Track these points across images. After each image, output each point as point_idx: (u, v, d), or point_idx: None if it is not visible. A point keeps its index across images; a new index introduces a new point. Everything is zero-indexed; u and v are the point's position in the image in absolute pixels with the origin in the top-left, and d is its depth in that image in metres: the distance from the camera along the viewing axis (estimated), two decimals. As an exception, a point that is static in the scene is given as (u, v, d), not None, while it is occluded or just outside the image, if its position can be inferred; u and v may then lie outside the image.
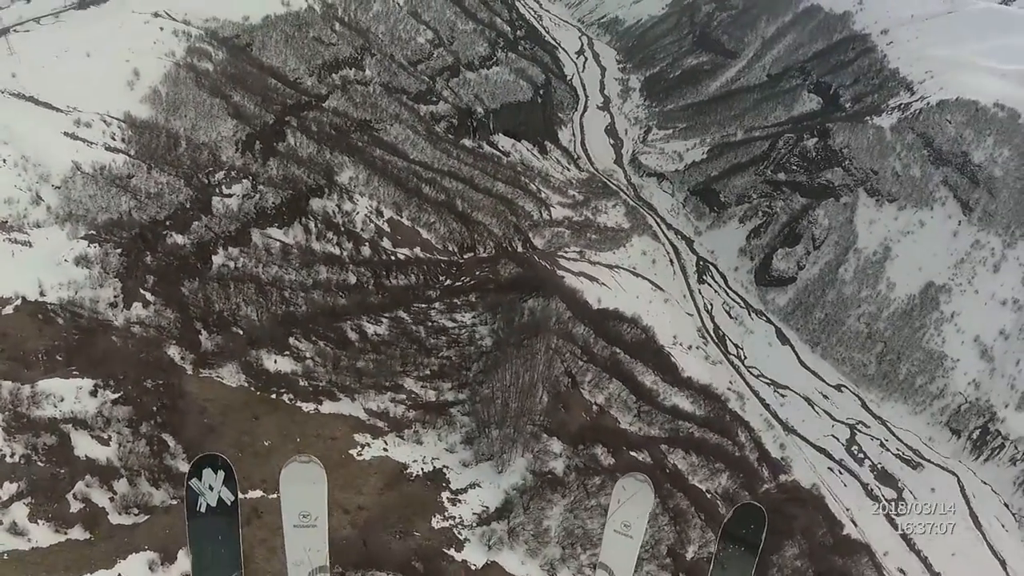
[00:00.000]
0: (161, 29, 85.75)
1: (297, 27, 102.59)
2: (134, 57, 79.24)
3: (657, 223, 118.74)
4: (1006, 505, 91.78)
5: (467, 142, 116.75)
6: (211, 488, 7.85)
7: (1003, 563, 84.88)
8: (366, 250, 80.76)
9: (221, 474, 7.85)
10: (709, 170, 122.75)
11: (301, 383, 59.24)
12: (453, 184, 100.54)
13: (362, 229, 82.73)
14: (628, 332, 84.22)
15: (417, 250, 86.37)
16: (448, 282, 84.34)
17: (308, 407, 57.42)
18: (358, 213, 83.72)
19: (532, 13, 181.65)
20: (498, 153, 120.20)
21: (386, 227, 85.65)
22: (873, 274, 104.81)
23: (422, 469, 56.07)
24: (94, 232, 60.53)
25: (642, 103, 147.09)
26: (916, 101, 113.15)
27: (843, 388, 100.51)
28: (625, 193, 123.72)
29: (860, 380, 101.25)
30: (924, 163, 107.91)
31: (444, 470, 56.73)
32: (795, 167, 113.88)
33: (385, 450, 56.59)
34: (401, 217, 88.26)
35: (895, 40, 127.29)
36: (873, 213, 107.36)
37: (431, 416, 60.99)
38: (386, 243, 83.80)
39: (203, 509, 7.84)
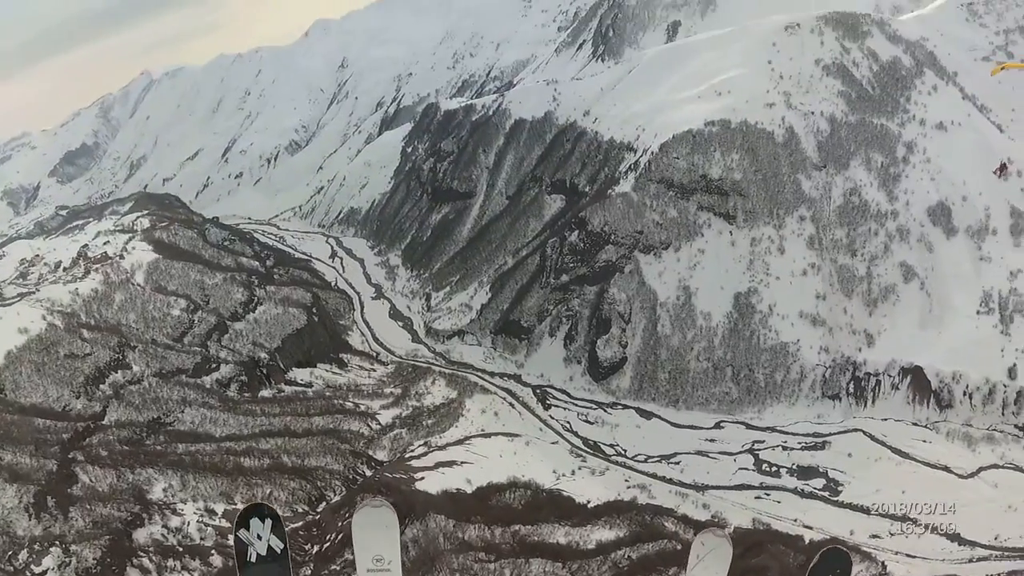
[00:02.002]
0: None
1: (44, 351, 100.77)
2: None
3: (480, 377, 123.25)
4: (915, 424, 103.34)
5: (265, 393, 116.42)
6: (259, 537, 8.65)
7: (947, 468, 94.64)
8: (217, 559, 78.40)
9: (269, 522, 8.60)
10: (500, 305, 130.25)
11: None
12: (272, 443, 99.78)
13: (202, 538, 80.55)
14: (514, 497, 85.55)
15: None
16: (316, 548, 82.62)
17: None
18: (189, 524, 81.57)
19: (273, 238, 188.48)
20: (300, 389, 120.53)
21: (225, 523, 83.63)
22: (687, 316, 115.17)
23: None
24: None
25: (410, 275, 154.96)
26: (642, 156, 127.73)
27: (722, 424, 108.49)
28: (437, 365, 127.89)
29: (732, 408, 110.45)
30: (675, 202, 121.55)
31: None
32: (572, 264, 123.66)
33: None
34: (235, 504, 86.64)
35: (598, 116, 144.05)
36: (657, 266, 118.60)
37: None
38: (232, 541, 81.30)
39: (253, 559, 8.64)
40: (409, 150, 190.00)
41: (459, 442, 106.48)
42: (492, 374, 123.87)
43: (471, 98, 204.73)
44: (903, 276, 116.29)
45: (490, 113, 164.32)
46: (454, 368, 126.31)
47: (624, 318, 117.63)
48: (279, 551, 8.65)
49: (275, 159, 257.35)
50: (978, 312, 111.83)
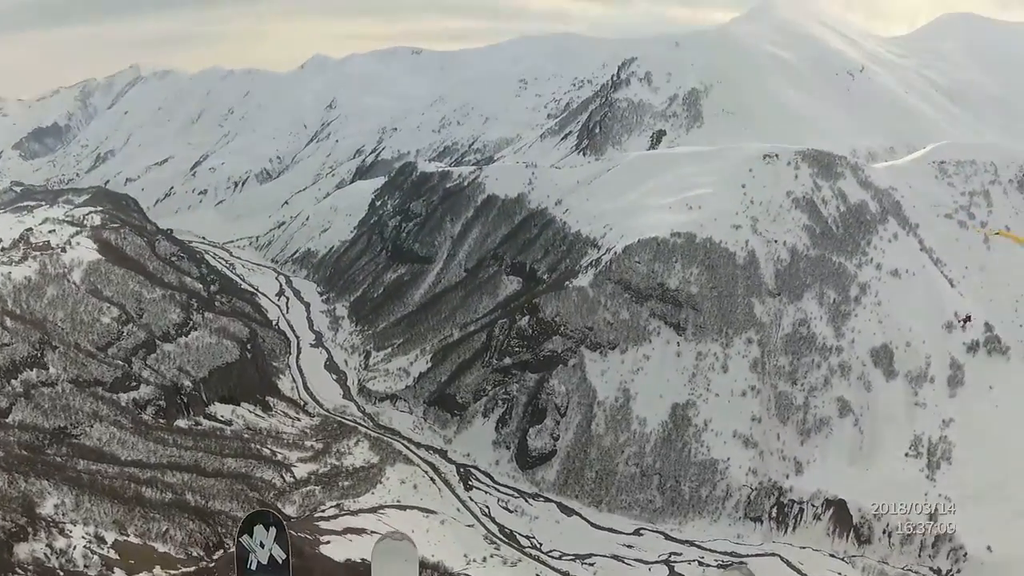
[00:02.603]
0: None
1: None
2: None
3: (405, 446, 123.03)
4: (832, 555, 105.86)
5: (182, 423, 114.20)
6: (262, 545, 8.69)
7: None
8: (98, 590, 76.28)
9: (273, 531, 8.65)
10: (438, 376, 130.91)
11: None
12: (178, 477, 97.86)
13: (86, 566, 78.36)
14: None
15: (157, 569, 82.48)
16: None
17: None
18: (75, 548, 79.29)
19: (223, 263, 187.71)
20: (219, 425, 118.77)
21: (113, 554, 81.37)
22: (623, 418, 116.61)
23: None
24: None
25: (354, 329, 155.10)
26: (604, 254, 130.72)
27: (642, 531, 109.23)
28: (364, 426, 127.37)
29: (653, 516, 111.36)
30: (630, 304, 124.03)
31: None
32: (517, 348, 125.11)
33: None
34: (127, 536, 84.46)
35: (569, 207, 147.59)
36: (601, 364, 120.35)
37: None
38: (118, 574, 79.65)
39: (254, 567, 8.65)
40: (378, 203, 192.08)
41: (373, 510, 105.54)
42: (418, 445, 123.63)
43: (450, 165, 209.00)
44: (839, 410, 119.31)
45: (465, 184, 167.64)
46: (380, 432, 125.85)
47: (560, 411, 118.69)
48: (281, 561, 8.63)
49: (243, 184, 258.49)
50: (907, 455, 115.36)
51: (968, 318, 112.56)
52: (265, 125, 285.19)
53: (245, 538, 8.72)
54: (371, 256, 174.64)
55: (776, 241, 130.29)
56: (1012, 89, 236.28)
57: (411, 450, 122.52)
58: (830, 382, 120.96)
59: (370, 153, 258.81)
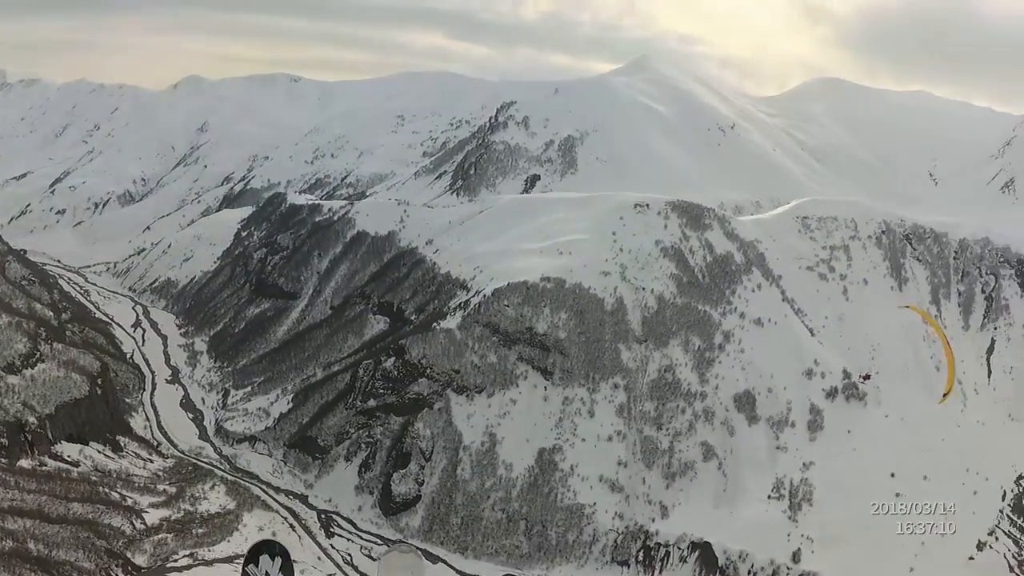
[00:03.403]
0: None
1: None
2: None
3: (264, 491, 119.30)
4: None
5: (25, 463, 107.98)
6: (267, 575, 8.64)
7: None
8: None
9: (278, 561, 8.71)
10: (300, 418, 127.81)
11: None
12: (19, 523, 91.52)
13: None
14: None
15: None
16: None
17: None
18: None
19: (78, 289, 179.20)
20: (66, 466, 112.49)
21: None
22: (489, 463, 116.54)
23: None
24: None
25: (213, 365, 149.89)
26: (474, 297, 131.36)
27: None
28: (220, 469, 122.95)
29: (520, 562, 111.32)
30: (497, 348, 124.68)
31: None
32: (382, 390, 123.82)
33: None
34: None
35: (440, 247, 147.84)
36: (468, 408, 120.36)
37: None
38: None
39: None
40: (244, 234, 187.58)
41: (228, 559, 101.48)
42: (278, 490, 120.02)
43: (321, 198, 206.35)
44: (703, 455, 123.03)
45: (335, 218, 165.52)
46: (238, 476, 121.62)
47: (425, 455, 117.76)
48: None
49: (104, 205, 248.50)
50: (769, 497, 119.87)
51: (868, 376, 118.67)
52: (132, 144, 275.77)
53: (251, 568, 8.88)
54: (234, 289, 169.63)
55: (644, 288, 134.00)
56: (873, 151, 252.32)
57: (270, 495, 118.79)
58: (694, 427, 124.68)
59: (239, 181, 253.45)
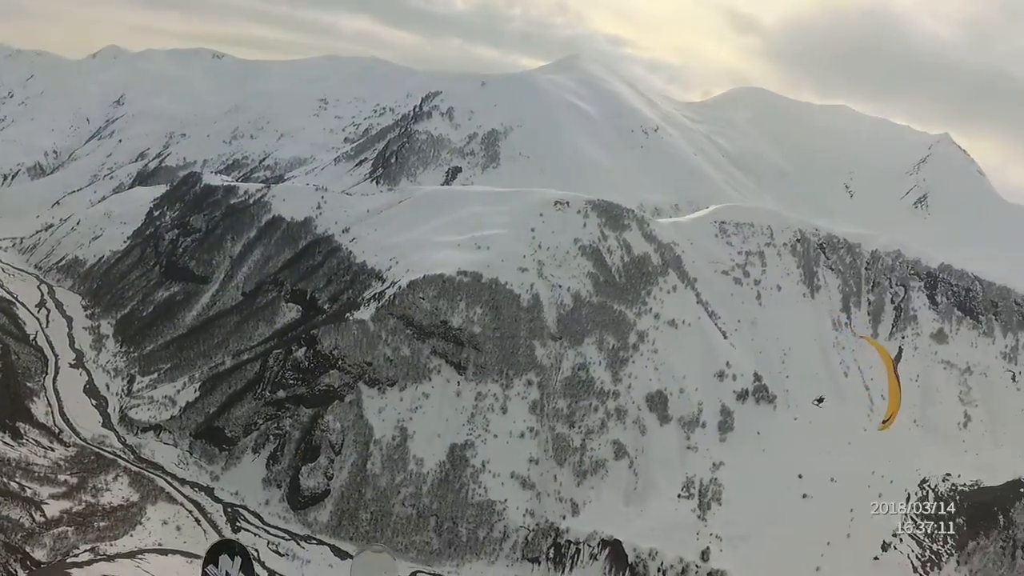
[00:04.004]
0: None
1: None
2: None
3: (168, 482, 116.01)
4: None
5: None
6: (228, 575, 8.31)
7: None
8: None
9: (238, 560, 8.44)
10: (207, 407, 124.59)
11: None
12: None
13: None
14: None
15: None
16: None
17: None
18: None
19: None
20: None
21: None
22: (399, 458, 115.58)
23: None
24: None
25: (119, 350, 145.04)
26: (389, 288, 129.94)
27: (418, 574, 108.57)
28: (124, 459, 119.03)
29: (430, 558, 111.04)
30: (411, 341, 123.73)
31: None
32: (292, 381, 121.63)
33: None
34: None
35: (357, 236, 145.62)
36: (379, 402, 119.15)
37: None
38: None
39: None
40: (156, 214, 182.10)
41: (131, 555, 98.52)
42: (183, 482, 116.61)
43: (237, 179, 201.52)
44: (615, 453, 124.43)
45: (250, 201, 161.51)
46: (142, 466, 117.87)
47: (335, 448, 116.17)
48: None
49: (12, 177, 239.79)
50: (679, 496, 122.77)
51: (822, 399, 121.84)
52: (45, 114, 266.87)
53: (211, 568, 8.77)
54: (143, 271, 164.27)
55: (561, 286, 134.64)
56: (792, 161, 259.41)
57: (175, 487, 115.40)
58: (607, 425, 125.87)
59: (154, 158, 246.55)
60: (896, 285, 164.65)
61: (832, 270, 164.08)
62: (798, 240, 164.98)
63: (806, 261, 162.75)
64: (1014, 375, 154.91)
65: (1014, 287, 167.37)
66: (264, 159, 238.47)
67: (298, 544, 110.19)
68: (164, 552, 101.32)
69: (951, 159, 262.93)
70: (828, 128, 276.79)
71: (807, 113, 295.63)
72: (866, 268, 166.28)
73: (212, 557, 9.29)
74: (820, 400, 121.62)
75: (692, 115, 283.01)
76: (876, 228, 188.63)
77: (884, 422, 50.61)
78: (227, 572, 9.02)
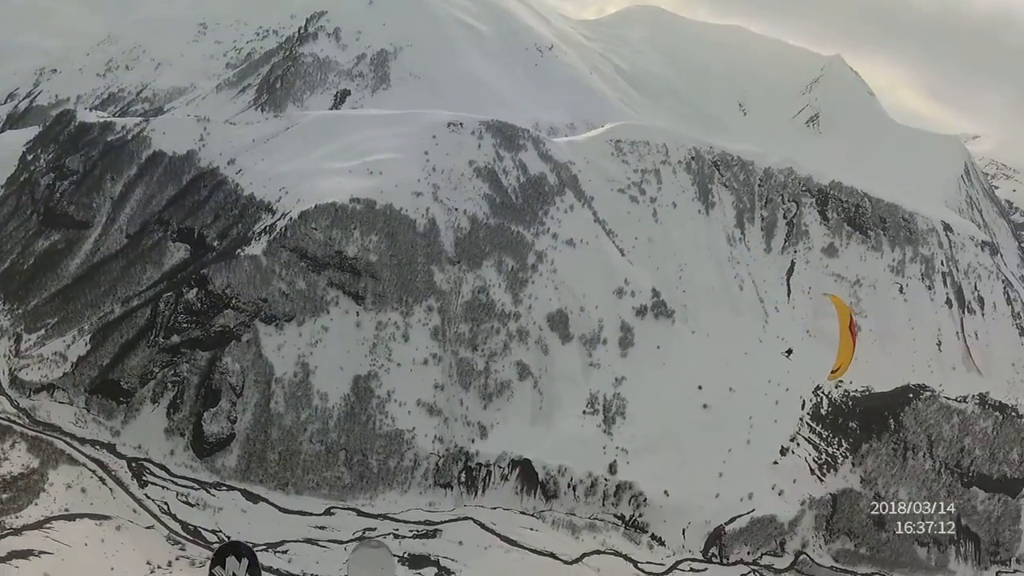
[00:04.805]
0: None
1: None
2: None
3: (68, 444, 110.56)
4: (522, 512, 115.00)
5: None
6: None
7: (552, 555, 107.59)
8: None
9: (245, 562, 8.59)
10: (99, 360, 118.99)
11: None
12: None
13: None
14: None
15: None
16: None
17: None
18: None
19: None
20: None
21: None
22: (303, 395, 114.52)
23: None
24: None
25: (2, 308, 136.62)
26: (279, 220, 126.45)
27: (333, 510, 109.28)
28: (18, 424, 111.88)
29: (343, 494, 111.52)
30: (306, 274, 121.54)
31: None
32: (185, 324, 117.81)
33: None
34: None
35: (243, 167, 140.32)
36: (278, 338, 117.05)
37: None
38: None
39: None
40: (30, 158, 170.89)
41: (38, 524, 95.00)
42: (83, 441, 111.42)
43: (114, 115, 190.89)
44: (519, 374, 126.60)
45: (129, 137, 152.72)
46: (39, 430, 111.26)
47: (236, 391, 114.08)
48: None
49: None
50: (584, 412, 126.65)
51: (791, 351, 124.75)
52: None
53: (218, 570, 8.95)
54: (20, 220, 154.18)
55: (457, 209, 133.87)
56: (687, 80, 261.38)
57: (75, 448, 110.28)
58: (509, 347, 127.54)
59: (24, 98, 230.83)
60: (788, 201, 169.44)
61: (726, 187, 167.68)
62: (693, 158, 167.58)
63: (701, 179, 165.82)
64: (901, 287, 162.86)
65: (901, 204, 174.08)
66: (141, 91, 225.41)
67: (208, 492, 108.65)
68: (71, 517, 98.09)
69: (843, 80, 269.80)
70: (723, 47, 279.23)
71: (702, 32, 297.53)
72: (759, 185, 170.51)
73: (219, 559, 9.42)
74: (789, 352, 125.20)
75: (587, 33, 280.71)
76: (769, 146, 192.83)
77: (833, 372, 52.29)
78: (234, 573, 9.22)
